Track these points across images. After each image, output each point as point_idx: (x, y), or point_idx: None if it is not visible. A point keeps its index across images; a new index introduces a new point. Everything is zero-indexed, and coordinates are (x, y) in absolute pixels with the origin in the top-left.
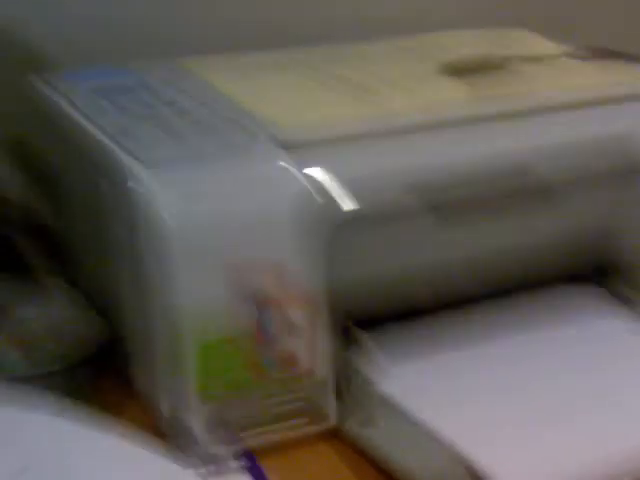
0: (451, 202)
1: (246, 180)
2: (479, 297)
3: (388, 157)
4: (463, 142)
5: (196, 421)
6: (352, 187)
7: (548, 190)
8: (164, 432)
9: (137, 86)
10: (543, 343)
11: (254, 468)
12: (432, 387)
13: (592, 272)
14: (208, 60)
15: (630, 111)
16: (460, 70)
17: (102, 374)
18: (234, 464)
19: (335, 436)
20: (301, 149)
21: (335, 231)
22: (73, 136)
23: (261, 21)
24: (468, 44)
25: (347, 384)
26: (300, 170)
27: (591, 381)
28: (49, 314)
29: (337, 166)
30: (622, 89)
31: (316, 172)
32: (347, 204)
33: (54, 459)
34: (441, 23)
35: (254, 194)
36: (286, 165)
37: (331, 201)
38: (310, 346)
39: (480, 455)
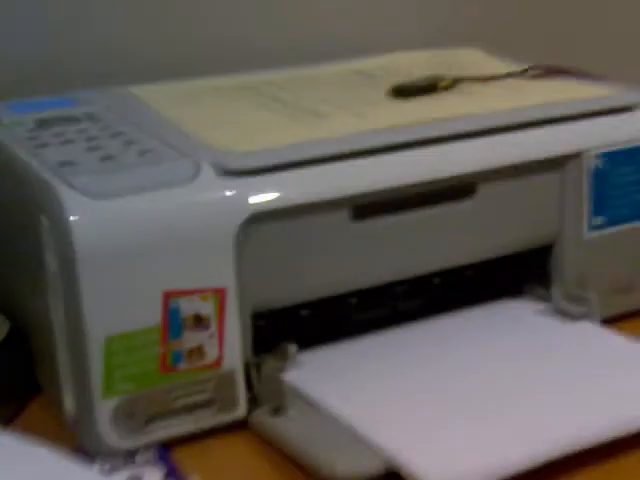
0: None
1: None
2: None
3: (323, 181)
4: (406, 165)
5: (101, 416)
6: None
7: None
8: (69, 429)
9: (83, 116)
10: (460, 342)
11: (164, 460)
12: (342, 376)
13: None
14: (154, 88)
15: (576, 129)
16: (409, 92)
17: (5, 373)
18: (142, 457)
19: (245, 427)
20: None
21: (242, 228)
22: (11, 168)
23: (208, 45)
24: (419, 65)
25: (257, 374)
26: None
27: (512, 375)
28: None
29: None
30: (570, 108)
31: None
32: (256, 199)
33: None
34: (393, 44)
35: (165, 207)
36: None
37: (238, 200)
38: (218, 338)
39: (390, 443)
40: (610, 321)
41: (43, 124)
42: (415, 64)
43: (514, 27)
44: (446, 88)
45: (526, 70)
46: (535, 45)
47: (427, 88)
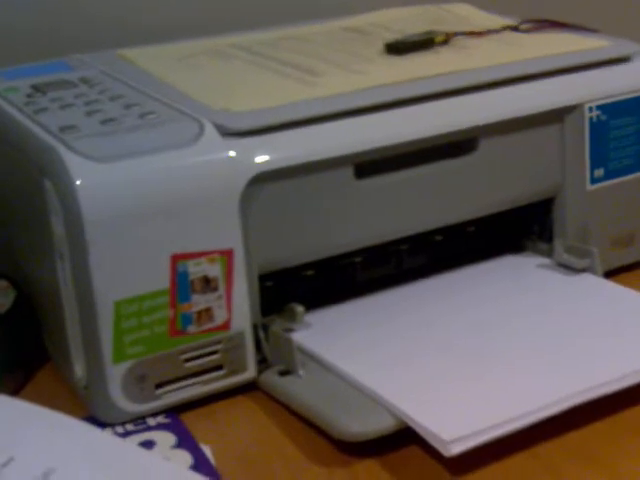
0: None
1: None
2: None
3: (326, 139)
4: (408, 121)
5: (112, 381)
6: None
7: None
8: (80, 396)
9: (78, 81)
10: (465, 298)
11: (175, 424)
12: (350, 335)
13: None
14: (147, 50)
15: (574, 81)
16: (404, 48)
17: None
18: (154, 422)
19: (255, 388)
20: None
21: (247, 189)
22: (10, 133)
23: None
24: (411, 22)
25: (265, 336)
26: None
27: (517, 330)
28: None
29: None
30: (568, 59)
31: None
32: (260, 159)
33: None
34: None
35: (169, 168)
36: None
37: (242, 160)
38: (227, 300)
39: (401, 400)
40: (611, 273)
41: (39, 89)
42: (406, 20)
43: None
44: (441, 43)
45: (519, 24)
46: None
47: (422, 44)
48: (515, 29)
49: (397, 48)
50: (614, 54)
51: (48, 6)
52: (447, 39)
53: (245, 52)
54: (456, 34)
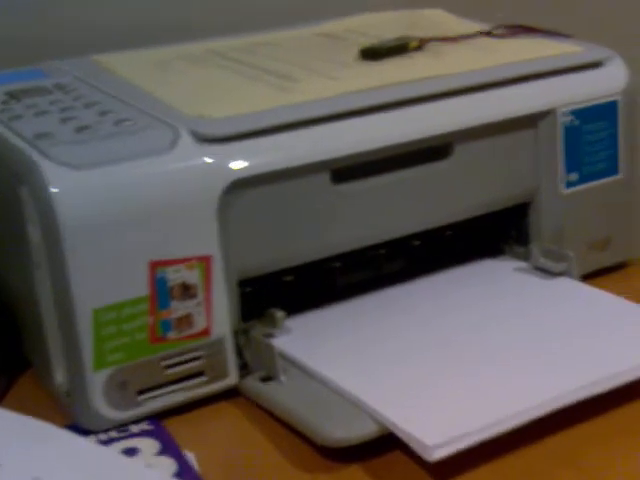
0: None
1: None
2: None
3: (302, 145)
4: (384, 127)
5: (93, 388)
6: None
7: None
8: (61, 403)
9: (53, 87)
10: (444, 302)
11: (158, 430)
12: (330, 340)
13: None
14: (123, 56)
15: (548, 86)
16: (379, 54)
17: None
18: (136, 429)
19: (237, 394)
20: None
21: (224, 195)
22: None
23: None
24: (385, 27)
25: (246, 341)
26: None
27: (497, 334)
28: None
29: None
30: (541, 65)
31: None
32: (237, 165)
33: None
34: (357, 6)
35: (146, 176)
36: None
37: (219, 167)
38: (206, 306)
39: (384, 405)
40: (588, 277)
41: (14, 96)
42: (381, 25)
43: None
44: (416, 49)
45: (493, 29)
46: (494, 5)
47: (397, 49)
48: (489, 34)
49: (372, 54)
50: (587, 59)
51: (25, 12)
52: (421, 45)
53: (221, 58)
54: (430, 40)
